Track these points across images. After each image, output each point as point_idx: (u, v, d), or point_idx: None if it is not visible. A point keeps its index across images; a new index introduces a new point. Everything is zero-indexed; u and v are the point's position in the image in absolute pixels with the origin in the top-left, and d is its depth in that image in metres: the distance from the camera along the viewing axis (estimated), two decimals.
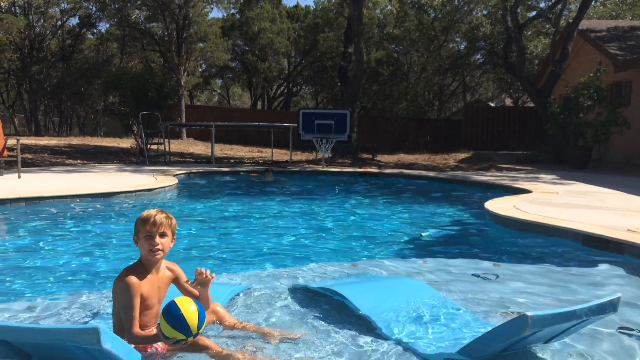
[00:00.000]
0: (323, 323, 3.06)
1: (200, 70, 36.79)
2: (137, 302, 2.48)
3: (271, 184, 11.55)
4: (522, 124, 24.93)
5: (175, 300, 2.43)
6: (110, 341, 2.14)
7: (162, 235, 2.59)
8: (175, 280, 2.75)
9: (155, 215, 2.58)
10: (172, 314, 2.37)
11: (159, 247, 2.57)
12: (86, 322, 3.06)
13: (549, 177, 12.08)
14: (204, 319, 2.43)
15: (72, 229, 5.95)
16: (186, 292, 2.73)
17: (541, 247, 5.34)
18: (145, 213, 2.61)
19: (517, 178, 11.67)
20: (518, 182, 10.46)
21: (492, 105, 38.70)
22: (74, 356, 2.31)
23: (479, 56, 31.59)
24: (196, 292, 2.74)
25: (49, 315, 3.19)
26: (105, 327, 2.22)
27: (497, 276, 4.15)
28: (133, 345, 2.43)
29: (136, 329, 2.47)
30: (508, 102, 37.60)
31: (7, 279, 4.00)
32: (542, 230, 5.68)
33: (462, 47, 32.09)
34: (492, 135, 25.09)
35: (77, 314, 3.21)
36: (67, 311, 3.25)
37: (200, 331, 2.43)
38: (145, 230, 2.56)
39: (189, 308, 2.39)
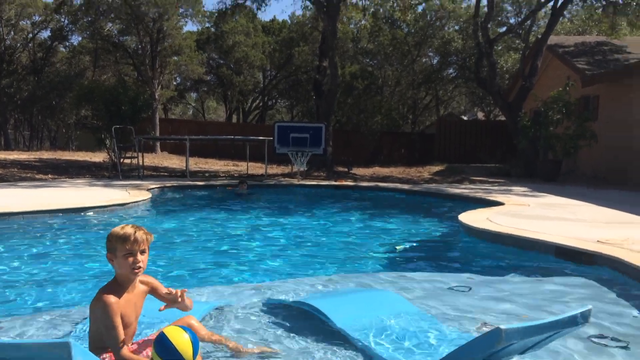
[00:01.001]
0: (299, 338, 3.04)
1: (174, 83, 36.58)
2: (119, 320, 2.42)
3: (246, 196, 11.49)
4: (494, 138, 25.33)
5: (165, 332, 2.31)
6: (82, 356, 2.09)
7: (142, 252, 2.53)
8: (153, 292, 2.70)
9: (135, 232, 2.49)
10: (164, 346, 2.26)
11: (141, 264, 2.51)
12: (57, 338, 2.98)
13: (521, 189, 12.28)
14: (197, 348, 2.32)
15: (41, 245, 5.82)
16: (167, 302, 2.68)
17: (514, 259, 5.41)
18: (121, 231, 2.50)
19: (490, 190, 11.84)
20: (491, 195, 10.61)
21: (465, 118, 39.29)
22: None
23: (451, 70, 32.10)
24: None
25: (17, 333, 3.10)
26: (78, 343, 2.16)
27: (471, 288, 4.19)
28: None
29: (124, 351, 2.41)
30: (480, 115, 38.21)
31: None
32: (514, 242, 5.75)
33: (435, 61, 32.59)
34: (465, 148, 25.43)
35: (46, 331, 3.13)
36: (36, 329, 3.16)
37: None
38: (124, 249, 2.47)
39: (181, 338, 2.27)
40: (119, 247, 2.47)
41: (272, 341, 2.99)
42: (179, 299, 2.63)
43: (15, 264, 4.99)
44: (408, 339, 2.98)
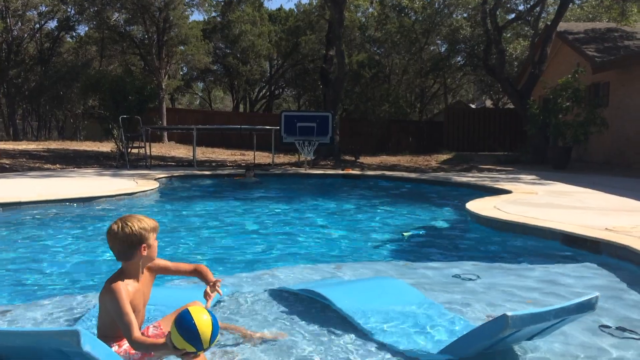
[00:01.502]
0: (306, 325, 3.05)
1: (181, 73, 36.57)
2: (129, 307, 2.41)
3: (253, 185, 11.50)
4: (502, 125, 25.19)
5: (190, 310, 2.27)
6: (90, 343, 2.10)
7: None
8: (159, 270, 2.70)
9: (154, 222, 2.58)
10: (184, 325, 2.21)
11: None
12: (67, 325, 3.00)
13: (529, 177, 12.21)
14: (217, 331, 2.27)
15: (51, 235, 5.86)
16: (173, 271, 2.77)
17: (521, 247, 5.40)
18: (150, 222, 2.54)
19: (498, 179, 11.78)
20: (499, 183, 10.56)
21: (473, 106, 39.07)
22: None
23: (459, 58, 31.85)
24: (186, 267, 2.76)
25: (27, 319, 3.13)
26: (87, 331, 2.18)
27: (478, 276, 4.18)
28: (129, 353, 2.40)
29: (137, 334, 2.38)
30: (489, 103, 37.97)
31: None
32: (522, 230, 5.73)
33: (443, 49, 32.34)
34: (474, 136, 25.30)
35: (57, 319, 3.16)
36: (47, 316, 3.19)
37: (213, 344, 2.27)
38: (154, 237, 2.56)
39: (202, 318, 2.23)
40: (152, 236, 2.54)
41: (280, 328, 3.00)
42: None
43: (25, 253, 5.04)
44: (415, 326, 2.99)
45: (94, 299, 3.47)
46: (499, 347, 2.59)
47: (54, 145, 20.68)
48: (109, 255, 4.96)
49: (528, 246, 5.39)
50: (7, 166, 13.19)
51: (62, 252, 5.10)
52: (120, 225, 2.45)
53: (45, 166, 14.07)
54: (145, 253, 2.51)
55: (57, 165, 14.30)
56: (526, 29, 25.97)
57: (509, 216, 6.19)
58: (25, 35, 32.66)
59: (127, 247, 2.45)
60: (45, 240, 5.58)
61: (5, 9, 30.05)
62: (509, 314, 2.21)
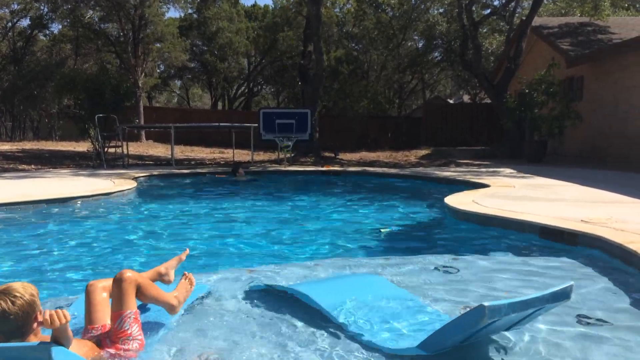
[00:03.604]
0: (285, 323, 3.04)
1: (158, 71, 36.17)
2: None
3: (246, 183, 11.45)
4: (480, 120, 25.43)
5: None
6: (62, 357, 2.07)
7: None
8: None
9: (35, 298, 2.24)
10: None
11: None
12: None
13: (507, 171, 12.35)
14: None
15: (24, 237, 5.75)
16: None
17: (499, 240, 5.45)
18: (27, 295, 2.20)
19: (476, 173, 11.90)
20: (477, 177, 10.66)
21: (451, 102, 39.39)
22: None
23: (436, 54, 32.07)
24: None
25: None
26: (56, 344, 2.13)
27: (458, 270, 4.21)
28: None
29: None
30: (466, 98, 38.32)
31: None
32: (500, 223, 5.79)
33: (420, 45, 32.54)
34: (452, 131, 25.50)
35: None
36: None
37: None
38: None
39: None
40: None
41: (258, 327, 2.98)
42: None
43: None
44: (395, 321, 3.00)
45: (58, 305, 3.41)
46: (477, 338, 2.61)
47: (28, 145, 20.31)
48: (82, 256, 4.89)
49: (506, 239, 5.45)
50: None
51: (35, 254, 5.00)
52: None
53: (20, 167, 13.80)
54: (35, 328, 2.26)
55: (32, 166, 14.04)
56: (501, 24, 26.26)
57: (487, 210, 6.25)
58: None
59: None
60: (18, 242, 5.47)
61: None
62: (486, 304, 2.22)
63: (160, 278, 3.12)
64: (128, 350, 2.49)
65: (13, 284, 2.20)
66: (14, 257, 4.88)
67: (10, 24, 32.53)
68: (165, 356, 2.59)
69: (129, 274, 2.60)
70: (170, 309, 2.84)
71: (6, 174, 11.82)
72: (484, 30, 27.05)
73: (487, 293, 3.62)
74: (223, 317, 3.13)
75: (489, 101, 24.47)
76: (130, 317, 2.54)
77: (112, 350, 2.47)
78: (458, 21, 20.13)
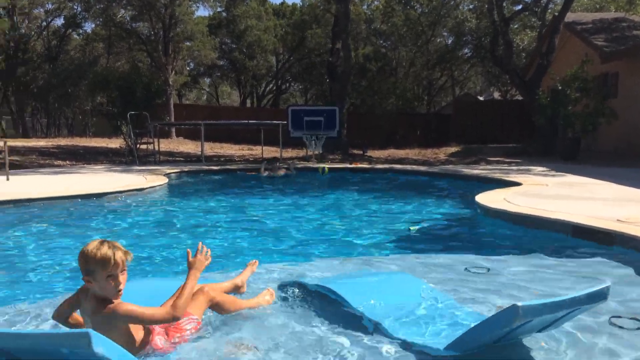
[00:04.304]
0: (316, 320, 3.05)
1: (188, 69, 36.61)
2: (140, 308, 2.43)
3: (281, 179, 11.57)
4: (511, 117, 25.05)
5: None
6: (102, 345, 2.12)
7: (123, 271, 2.43)
8: None
9: (115, 254, 2.37)
10: None
11: (122, 285, 2.42)
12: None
13: (539, 169, 12.15)
14: None
15: (62, 231, 5.91)
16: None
17: (531, 239, 5.38)
18: (99, 253, 2.35)
19: (507, 171, 11.74)
20: (508, 175, 10.52)
21: (481, 98, 38.89)
22: None
23: (466, 50, 31.71)
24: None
25: (41, 320, 3.16)
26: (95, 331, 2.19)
27: (489, 269, 4.17)
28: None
29: (171, 314, 2.51)
30: (497, 95, 37.78)
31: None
32: (532, 222, 5.71)
33: (450, 41, 32.20)
34: (482, 128, 25.18)
35: None
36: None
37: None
38: (107, 270, 2.36)
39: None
40: (99, 270, 2.35)
41: (289, 324, 3.00)
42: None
43: (36, 250, 5.08)
44: (425, 320, 2.98)
45: None
46: (510, 338, 2.59)
47: (63, 142, 20.79)
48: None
49: (538, 238, 5.37)
50: (17, 163, 13.27)
51: (72, 248, 5.13)
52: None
53: (56, 163, 14.16)
54: (92, 285, 2.41)
55: (67, 162, 14.39)
56: (533, 19, 25.80)
57: (519, 208, 6.17)
58: (33, 33, 32.81)
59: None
60: (56, 237, 5.62)
61: (12, 7, 30.15)
62: (520, 304, 2.20)
63: (237, 290, 3.36)
64: (171, 341, 2.64)
65: (106, 245, 2.40)
66: (49, 250, 5.02)
67: (44, 23, 33.33)
68: (202, 346, 2.64)
69: (206, 289, 2.91)
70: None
71: (42, 170, 12.14)
72: (515, 26, 26.63)
73: (519, 293, 3.58)
74: (255, 311, 3.16)
75: (520, 98, 24.10)
76: (193, 321, 2.75)
77: (161, 337, 2.62)
78: (488, 17, 19.84)
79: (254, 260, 3.63)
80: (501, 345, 2.58)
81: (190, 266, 2.79)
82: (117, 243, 2.44)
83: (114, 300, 2.40)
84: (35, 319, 3.13)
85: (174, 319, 2.52)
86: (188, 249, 2.87)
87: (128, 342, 2.44)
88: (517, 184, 9.01)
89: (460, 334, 2.56)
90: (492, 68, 28.74)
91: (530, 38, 26.61)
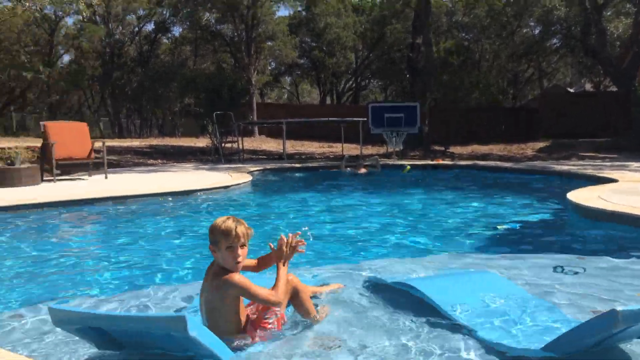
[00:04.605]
0: (400, 319, 3.04)
1: (269, 68, 37.41)
2: (250, 283, 2.61)
3: (363, 177, 11.64)
4: (604, 110, 23.57)
5: None
6: (197, 329, 2.23)
7: (242, 246, 2.64)
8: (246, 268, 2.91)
9: (236, 227, 2.60)
10: None
11: (240, 258, 2.62)
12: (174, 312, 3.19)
13: (636, 164, 11.39)
14: None
15: (156, 225, 6.25)
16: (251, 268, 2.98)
17: (630, 240, 5.06)
18: (223, 225, 2.61)
19: (601, 167, 11.10)
20: (602, 171, 9.94)
21: (571, 91, 36.92)
22: (163, 346, 2.43)
23: (555, 40, 30.20)
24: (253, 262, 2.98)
25: (137, 306, 3.37)
26: (194, 317, 2.31)
27: (584, 270, 3.98)
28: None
29: (276, 297, 2.64)
30: (588, 87, 35.73)
31: (102, 272, 4.27)
32: (630, 221, 5.37)
33: (537, 31, 30.79)
34: (572, 122, 23.89)
35: (162, 305, 3.37)
36: (153, 303, 3.41)
37: None
38: (227, 241, 2.59)
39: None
40: (222, 240, 2.59)
41: (371, 322, 3.00)
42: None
43: (137, 242, 5.41)
44: (514, 321, 2.90)
45: (194, 286, 3.66)
46: (607, 345, 2.46)
47: (155, 142, 21.93)
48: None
49: (636, 239, 5.05)
50: (115, 162, 14.17)
51: (166, 241, 5.41)
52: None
53: (149, 162, 14.97)
54: (216, 255, 2.65)
55: (159, 161, 15.17)
56: (628, 6, 24.14)
57: (616, 207, 5.82)
58: (126, 38, 34.79)
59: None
60: (151, 231, 5.95)
61: (107, 14, 32.14)
62: (619, 308, 2.09)
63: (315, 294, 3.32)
64: (256, 334, 2.71)
65: (232, 219, 2.66)
66: (148, 243, 5.32)
67: (137, 28, 35.24)
68: (286, 341, 2.71)
69: (292, 277, 2.91)
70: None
71: (137, 168, 12.88)
72: (608, 14, 25.03)
73: (614, 297, 3.39)
74: (338, 308, 3.20)
75: (614, 89, 22.67)
76: (276, 313, 2.81)
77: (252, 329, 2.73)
78: (579, 5, 18.79)
79: (341, 285, 3.55)
80: (598, 350, 2.46)
81: (276, 257, 2.87)
82: (241, 220, 2.67)
83: (232, 271, 2.59)
84: (131, 306, 3.34)
85: (275, 302, 2.65)
86: (282, 234, 2.92)
87: (231, 320, 2.62)
88: (613, 180, 8.51)
89: (555, 337, 2.46)
90: (583, 58, 27.21)
91: (625, 25, 24.95)
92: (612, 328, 2.15)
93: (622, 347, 2.57)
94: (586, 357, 2.42)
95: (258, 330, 2.72)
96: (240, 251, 2.61)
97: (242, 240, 2.62)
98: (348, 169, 12.11)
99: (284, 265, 2.82)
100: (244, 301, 2.74)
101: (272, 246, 2.95)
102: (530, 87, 37.21)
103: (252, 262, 3.03)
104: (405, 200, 8.45)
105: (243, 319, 2.71)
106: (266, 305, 2.76)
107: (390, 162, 14.16)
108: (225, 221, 2.62)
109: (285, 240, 2.86)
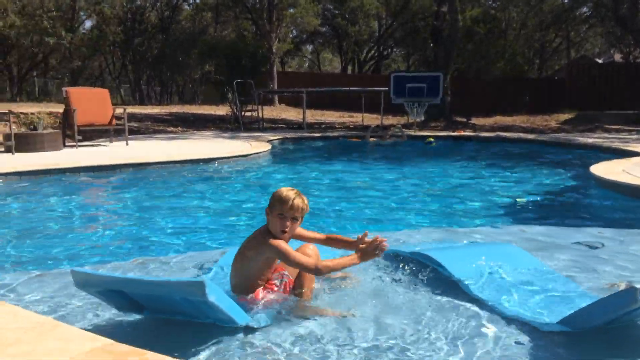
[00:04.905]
0: (414, 289, 3.03)
1: (291, 36, 37.00)
2: (290, 249, 2.64)
3: (389, 146, 11.58)
4: (634, 82, 22.94)
5: None
6: (215, 294, 2.26)
7: (294, 219, 2.69)
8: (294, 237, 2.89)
9: (294, 199, 2.66)
10: None
11: (287, 230, 2.67)
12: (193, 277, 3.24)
13: None
14: None
15: (176, 193, 6.31)
16: (306, 238, 2.98)
17: None
18: (284, 193, 2.67)
19: (628, 140, 10.85)
20: (628, 145, 9.73)
21: (600, 61, 35.92)
22: (183, 310, 2.48)
23: (585, 9, 29.27)
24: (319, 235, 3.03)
25: (159, 271, 3.42)
26: (212, 282, 2.35)
27: (603, 245, 3.92)
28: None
29: (318, 264, 2.64)
30: (617, 57, 34.72)
31: (123, 237, 4.34)
32: None
33: (566, 0, 29.86)
34: (600, 94, 23.32)
35: (182, 271, 3.42)
36: (175, 268, 3.46)
37: None
38: (280, 209, 2.65)
39: None
40: (277, 206, 2.66)
41: (387, 291, 3.00)
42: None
43: (157, 209, 5.47)
44: (532, 294, 2.88)
45: (212, 253, 3.71)
46: (625, 320, 2.43)
47: (175, 109, 22.01)
48: (228, 212, 5.27)
49: None
50: (135, 129, 14.28)
51: (186, 210, 5.47)
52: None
53: (169, 129, 15.05)
54: (268, 217, 2.71)
55: (179, 128, 15.24)
56: None
57: None
58: (147, 4, 34.62)
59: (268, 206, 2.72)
60: (172, 198, 6.01)
61: None
62: (639, 286, 2.06)
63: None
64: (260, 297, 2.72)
65: (295, 191, 2.71)
66: (167, 211, 5.38)
67: None
68: (293, 308, 2.72)
69: (312, 247, 2.91)
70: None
71: (157, 135, 12.96)
72: None
73: (634, 272, 3.34)
74: (352, 281, 3.19)
75: None
76: (284, 277, 2.81)
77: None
78: None
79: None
80: (614, 326, 2.43)
81: (358, 250, 2.79)
82: (304, 196, 2.74)
83: (276, 237, 2.66)
84: (153, 271, 3.40)
85: (316, 270, 2.66)
86: (366, 231, 2.89)
87: (253, 276, 2.68)
88: (639, 154, 8.31)
89: (572, 311, 2.44)
90: (613, 28, 26.36)
91: None
92: (631, 306, 2.13)
93: (636, 324, 2.54)
94: (601, 333, 2.40)
95: (263, 291, 2.73)
96: (289, 222, 2.66)
97: (296, 214, 2.67)
98: (372, 139, 12.01)
99: (359, 260, 2.74)
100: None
101: (360, 237, 2.88)
102: (558, 57, 36.30)
103: (319, 235, 3.04)
104: (424, 172, 8.39)
105: (262, 283, 2.74)
106: (282, 268, 2.79)
107: (412, 132, 14.02)
108: (288, 191, 2.68)
109: (377, 240, 2.76)
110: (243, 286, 2.70)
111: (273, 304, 2.70)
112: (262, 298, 2.70)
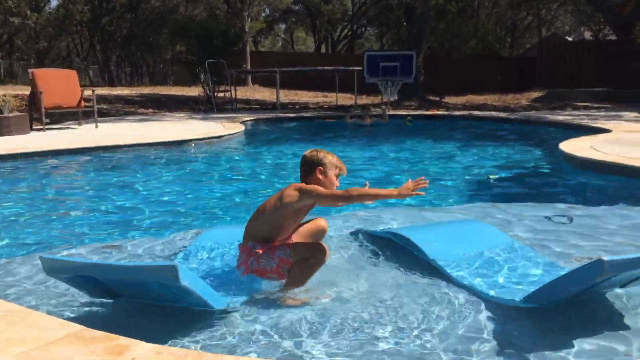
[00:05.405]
0: (386, 269, 3.07)
1: (263, 15, 36.49)
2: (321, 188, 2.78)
3: (369, 127, 11.51)
4: (602, 60, 23.28)
5: None
6: (189, 278, 2.22)
7: (326, 174, 2.92)
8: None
9: (342, 165, 3.00)
10: None
11: (335, 187, 2.91)
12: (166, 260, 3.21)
13: (632, 114, 11.36)
14: None
15: (148, 175, 6.23)
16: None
17: (620, 190, 5.10)
18: (331, 155, 2.98)
19: (596, 117, 11.06)
20: (596, 121, 9.92)
21: (570, 39, 36.35)
22: (156, 294, 2.45)
23: None
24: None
25: (132, 254, 3.39)
26: (185, 266, 2.31)
27: (572, 220, 4.01)
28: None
29: (349, 193, 2.74)
30: (587, 35, 35.18)
31: (93, 221, 4.27)
32: (622, 172, 5.39)
33: None
34: (570, 72, 23.64)
35: (157, 253, 3.39)
36: (148, 250, 3.43)
37: None
38: (338, 171, 2.94)
39: None
40: (338, 167, 2.95)
41: (359, 271, 3.01)
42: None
43: (128, 192, 5.40)
44: (503, 270, 2.94)
45: (185, 235, 3.69)
46: (591, 292, 2.50)
47: (146, 90, 21.61)
48: (202, 193, 5.22)
49: (627, 189, 5.08)
50: (105, 111, 13.98)
51: (160, 191, 5.41)
52: (311, 151, 3.00)
53: (140, 110, 14.78)
54: (320, 177, 2.88)
55: (151, 110, 14.99)
56: None
57: (608, 157, 5.83)
58: None
59: (308, 166, 2.92)
60: (145, 180, 5.93)
61: None
62: (605, 258, 2.10)
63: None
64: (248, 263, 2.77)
65: (330, 152, 3.00)
66: (141, 194, 5.31)
67: None
68: (276, 287, 2.73)
69: (323, 222, 3.19)
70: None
71: (128, 117, 12.73)
72: None
73: (602, 246, 3.43)
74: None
75: (614, 38, 22.34)
76: (284, 251, 2.83)
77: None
78: None
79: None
80: (581, 299, 2.50)
81: (400, 188, 2.82)
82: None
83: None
84: (130, 255, 3.37)
85: (345, 198, 2.80)
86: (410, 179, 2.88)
87: (276, 225, 2.79)
88: (607, 130, 8.50)
89: (540, 286, 2.50)
90: (584, 6, 26.66)
91: None
92: (598, 277, 2.18)
93: (602, 296, 2.61)
94: (569, 305, 2.46)
95: (278, 247, 2.77)
96: (333, 176, 2.92)
97: (338, 171, 2.95)
98: (352, 119, 11.93)
99: (397, 193, 2.78)
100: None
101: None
102: (529, 36, 36.62)
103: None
104: (399, 151, 8.43)
105: (285, 234, 2.85)
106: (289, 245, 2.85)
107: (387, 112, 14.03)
108: (331, 153, 2.98)
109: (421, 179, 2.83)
110: (265, 233, 2.77)
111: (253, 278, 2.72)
112: (275, 255, 2.73)
